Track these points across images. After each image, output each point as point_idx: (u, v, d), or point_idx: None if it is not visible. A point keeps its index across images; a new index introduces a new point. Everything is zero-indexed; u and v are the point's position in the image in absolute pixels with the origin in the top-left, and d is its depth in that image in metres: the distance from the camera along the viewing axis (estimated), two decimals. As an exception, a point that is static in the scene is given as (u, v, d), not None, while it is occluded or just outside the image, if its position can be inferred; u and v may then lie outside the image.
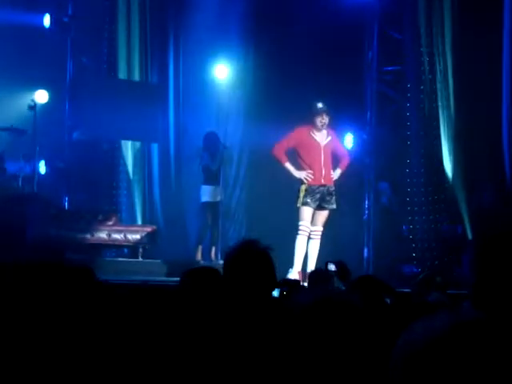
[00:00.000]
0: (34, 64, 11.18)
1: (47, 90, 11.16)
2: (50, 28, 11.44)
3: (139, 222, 11.70)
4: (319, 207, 8.95)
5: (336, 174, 9.10)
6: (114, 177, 11.99)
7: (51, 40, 11.47)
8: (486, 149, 10.12)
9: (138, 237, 10.18)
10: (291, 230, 8.99)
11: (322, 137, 9.02)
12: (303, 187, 8.88)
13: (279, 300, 2.96)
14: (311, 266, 8.74)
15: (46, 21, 11.41)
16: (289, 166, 8.98)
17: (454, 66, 10.55)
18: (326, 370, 1.43)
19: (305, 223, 8.89)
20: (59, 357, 1.81)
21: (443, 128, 10.58)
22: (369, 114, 11.04)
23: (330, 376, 1.43)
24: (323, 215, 9.00)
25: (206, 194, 10.22)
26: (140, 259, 10.10)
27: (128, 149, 12.00)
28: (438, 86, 10.62)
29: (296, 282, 5.22)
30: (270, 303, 2.83)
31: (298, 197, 8.89)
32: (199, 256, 10.16)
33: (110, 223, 10.46)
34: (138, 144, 12.07)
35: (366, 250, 10.71)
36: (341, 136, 10.11)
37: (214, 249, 10.33)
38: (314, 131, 8.97)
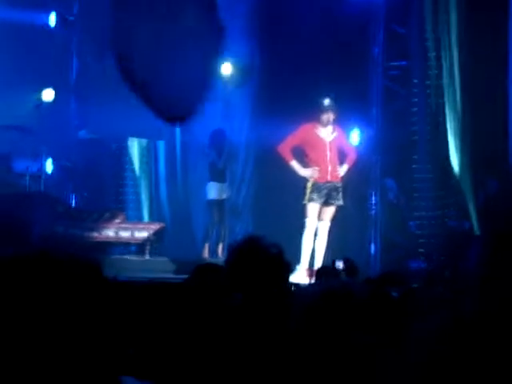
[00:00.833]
0: (39, 63, 11.20)
1: (53, 89, 11.17)
2: (55, 27, 11.46)
3: (146, 219, 11.71)
4: (326, 203, 8.94)
5: (343, 169, 9.09)
6: (121, 175, 12.01)
7: (57, 39, 11.49)
8: (492, 144, 10.09)
9: (145, 234, 10.19)
10: (298, 227, 8.99)
11: (327, 133, 9.01)
12: (309, 184, 8.88)
13: (285, 294, 2.94)
14: (318, 263, 8.74)
15: (52, 20, 11.43)
16: (294, 164, 8.98)
17: (460, 61, 10.52)
18: (333, 358, 1.43)
19: (311, 220, 8.89)
20: (62, 353, 1.81)
21: (450, 123, 10.55)
22: (375, 109, 11.01)
23: (336, 363, 1.43)
24: (330, 211, 9.00)
25: (213, 191, 10.22)
26: (147, 257, 10.11)
27: (134, 147, 12.02)
28: (445, 81, 10.58)
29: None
30: (276, 299, 2.82)
31: (305, 193, 8.89)
32: (206, 253, 10.17)
33: (117, 221, 10.47)
34: (144, 142, 12.08)
35: (372, 246, 10.69)
36: (347, 132, 10.10)
37: (220, 246, 10.34)
38: (320, 128, 8.96)
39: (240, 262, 2.74)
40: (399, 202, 11.07)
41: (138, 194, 11.94)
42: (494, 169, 10.22)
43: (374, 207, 10.88)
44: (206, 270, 3.39)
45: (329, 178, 8.92)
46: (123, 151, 12.01)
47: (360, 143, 10.80)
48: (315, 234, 8.93)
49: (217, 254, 10.27)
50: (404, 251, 10.68)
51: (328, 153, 8.96)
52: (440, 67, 10.62)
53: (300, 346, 1.46)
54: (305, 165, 8.97)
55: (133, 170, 11.97)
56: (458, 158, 10.47)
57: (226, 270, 2.79)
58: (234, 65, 11.67)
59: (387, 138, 11.02)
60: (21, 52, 11.28)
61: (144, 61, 7.23)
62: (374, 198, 10.91)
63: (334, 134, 9.05)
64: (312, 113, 9.07)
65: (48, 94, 11.02)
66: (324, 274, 5.16)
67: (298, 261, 8.74)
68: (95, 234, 10.11)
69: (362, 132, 11.01)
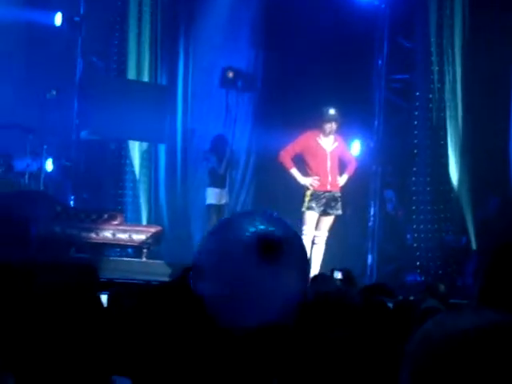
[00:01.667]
0: (43, 62, 11.22)
1: (56, 89, 11.18)
2: (61, 27, 11.48)
3: (144, 222, 11.71)
4: (324, 212, 8.95)
5: (342, 179, 9.11)
6: (121, 177, 12.00)
7: (62, 38, 11.51)
8: (492, 160, 10.10)
9: (142, 237, 10.19)
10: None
11: (328, 143, 9.02)
12: (309, 192, 8.89)
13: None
14: (314, 271, 8.74)
15: (58, 19, 11.45)
16: (295, 172, 8.99)
17: (463, 76, 10.55)
18: (326, 364, 1.44)
19: (308, 228, 8.89)
20: (58, 356, 1.81)
21: (450, 138, 10.58)
22: (376, 121, 11.04)
23: (330, 369, 1.44)
24: (328, 220, 9.00)
25: (212, 196, 10.23)
26: (144, 259, 10.10)
27: (135, 149, 12.02)
28: (447, 95, 10.62)
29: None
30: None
31: (304, 201, 8.90)
32: (203, 258, 10.15)
33: (116, 223, 10.46)
34: (145, 145, 12.09)
35: (369, 257, 10.70)
36: (348, 142, 10.12)
37: (217, 251, 10.33)
38: (322, 137, 8.97)
39: None
40: (397, 213, 11.09)
41: (137, 197, 11.94)
42: (494, 186, 10.24)
43: (372, 218, 10.89)
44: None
45: (328, 187, 8.93)
46: (124, 153, 12.01)
47: (361, 154, 10.82)
48: (312, 243, 8.93)
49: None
50: (400, 263, 10.69)
51: (328, 162, 8.97)
52: (443, 82, 10.65)
53: (294, 343, 1.47)
54: (305, 173, 8.98)
55: (133, 173, 11.97)
56: (457, 173, 10.50)
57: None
58: (237, 72, 11.69)
59: (388, 149, 11.05)
60: (25, 50, 11.31)
61: None
62: (372, 208, 10.92)
63: (335, 144, 9.06)
64: (314, 121, 9.08)
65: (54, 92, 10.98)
66: (320, 281, 5.17)
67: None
68: (93, 235, 10.11)
69: (362, 143, 11.03)
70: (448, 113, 10.60)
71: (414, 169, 10.91)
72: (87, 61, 11.70)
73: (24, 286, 1.87)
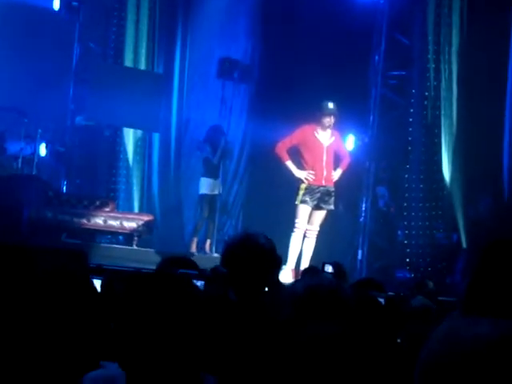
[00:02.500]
0: (41, 46, 11.18)
1: (52, 74, 11.14)
2: (59, 11, 11.44)
3: (136, 210, 11.71)
4: (317, 207, 8.96)
5: (336, 174, 9.11)
6: (114, 164, 11.98)
7: (60, 23, 11.47)
8: (485, 160, 10.14)
9: (134, 225, 10.20)
10: (287, 227, 9.01)
11: (325, 137, 9.02)
12: (303, 186, 8.89)
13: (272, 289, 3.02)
14: (304, 265, 8.76)
15: (56, 4, 11.41)
16: (290, 164, 8.98)
17: (458, 75, 10.58)
18: (320, 358, 1.45)
19: (301, 221, 8.90)
20: (46, 340, 1.82)
21: (444, 136, 10.61)
22: (371, 117, 11.05)
23: (323, 365, 1.45)
24: (320, 215, 9.02)
25: (205, 186, 10.23)
26: (134, 247, 10.11)
27: (129, 137, 12.00)
28: (442, 93, 10.64)
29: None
30: (264, 294, 2.88)
31: (297, 194, 8.90)
32: (194, 248, 10.17)
33: (107, 209, 10.47)
34: (139, 133, 12.07)
35: (360, 252, 10.73)
36: (342, 137, 10.13)
37: (208, 241, 10.35)
38: (319, 131, 8.97)
39: (235, 256, 2.87)
40: (389, 210, 11.12)
41: (129, 184, 11.93)
42: (487, 185, 10.28)
43: (363, 213, 10.92)
44: (173, 262, 3.50)
45: (323, 182, 8.94)
46: (118, 140, 11.99)
47: (354, 149, 10.83)
48: (304, 236, 8.94)
49: (204, 250, 10.28)
50: (391, 259, 10.72)
51: (324, 157, 8.97)
52: (439, 80, 10.67)
53: (288, 335, 1.48)
54: (300, 166, 8.98)
55: (126, 160, 11.95)
56: (450, 171, 10.53)
57: (221, 264, 2.91)
58: (234, 63, 11.68)
59: (382, 145, 11.07)
60: (22, 34, 11.25)
61: None
62: (364, 204, 10.95)
63: (332, 139, 9.05)
64: (309, 114, 9.07)
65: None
66: (310, 274, 5.18)
67: (284, 261, 8.75)
68: (84, 221, 10.11)
69: (357, 138, 11.04)
70: (443, 111, 10.63)
71: (408, 166, 10.93)
72: (84, 46, 11.66)
73: (18, 267, 1.87)
